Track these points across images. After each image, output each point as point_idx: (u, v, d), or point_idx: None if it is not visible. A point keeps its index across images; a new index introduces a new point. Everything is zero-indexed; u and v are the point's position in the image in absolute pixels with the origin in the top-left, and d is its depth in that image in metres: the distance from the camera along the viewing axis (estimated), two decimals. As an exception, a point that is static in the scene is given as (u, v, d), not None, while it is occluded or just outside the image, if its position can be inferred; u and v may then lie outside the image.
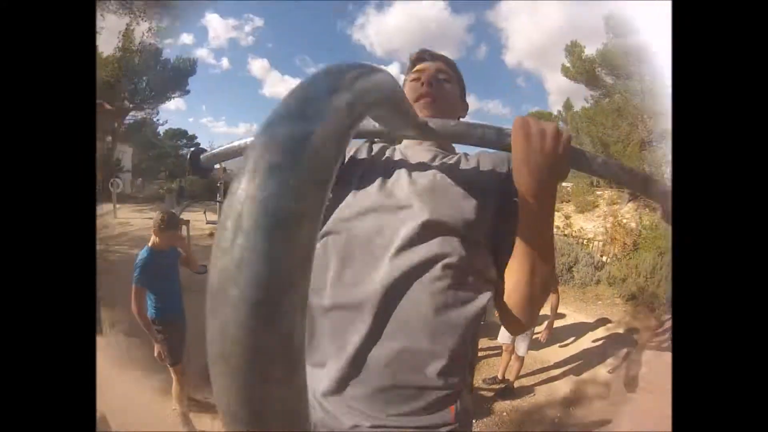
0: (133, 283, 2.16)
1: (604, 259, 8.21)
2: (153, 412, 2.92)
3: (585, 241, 9.04)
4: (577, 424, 3.14)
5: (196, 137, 44.13)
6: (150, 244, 2.24)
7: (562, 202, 21.54)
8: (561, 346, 4.46)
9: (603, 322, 5.39)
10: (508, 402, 3.34)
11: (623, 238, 8.07)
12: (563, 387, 3.66)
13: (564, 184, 21.56)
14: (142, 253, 2.21)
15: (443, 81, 0.85)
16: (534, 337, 3.42)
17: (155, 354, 2.36)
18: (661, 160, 15.51)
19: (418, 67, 0.86)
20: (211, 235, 8.52)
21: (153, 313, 2.27)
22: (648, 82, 15.10)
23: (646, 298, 5.41)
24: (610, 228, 9.00)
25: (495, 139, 0.61)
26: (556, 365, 4.07)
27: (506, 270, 0.71)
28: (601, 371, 4.00)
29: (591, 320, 5.46)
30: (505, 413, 3.20)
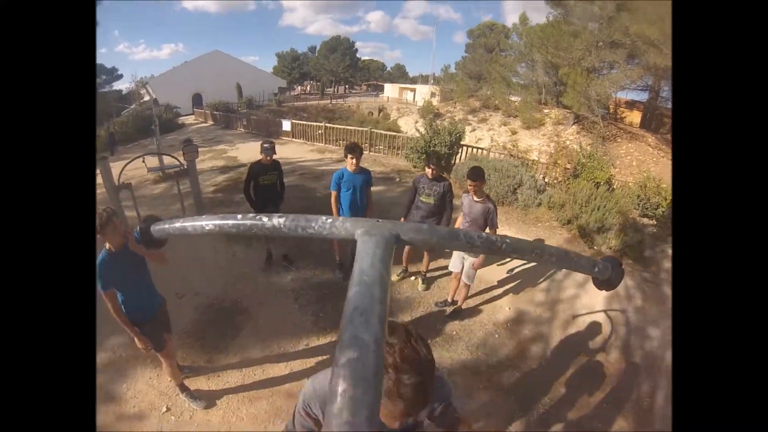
0: (99, 288, 2.06)
1: (546, 180, 8.77)
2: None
3: (530, 162, 9.47)
4: (514, 338, 3.67)
5: (116, 70, 37.93)
6: (106, 246, 2.11)
7: (510, 117, 22.05)
8: (499, 265, 4.97)
9: (539, 242, 5.99)
10: (457, 322, 3.80)
11: (565, 164, 8.57)
12: (504, 305, 4.18)
13: (513, 98, 21.78)
14: (99, 257, 2.08)
15: None
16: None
17: (138, 346, 2.34)
18: (608, 89, 15.94)
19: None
20: (156, 182, 7.96)
21: (125, 311, 2.21)
22: (610, 9, 14.81)
23: (580, 223, 5.99)
24: (554, 152, 9.44)
25: None
26: (499, 284, 4.58)
27: None
28: (537, 290, 4.57)
29: (528, 239, 6.05)
30: (455, 332, 3.65)
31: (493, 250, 0.68)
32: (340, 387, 0.36)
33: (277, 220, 0.64)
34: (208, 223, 0.68)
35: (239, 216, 0.66)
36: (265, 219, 0.65)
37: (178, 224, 0.73)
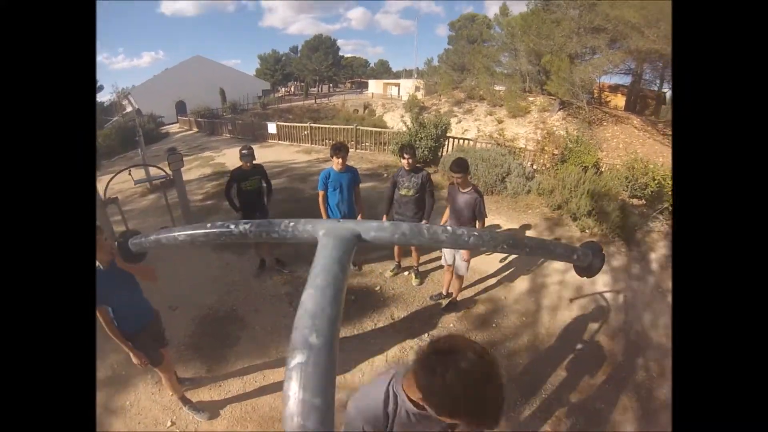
0: None
1: (534, 167, 8.82)
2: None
3: (517, 150, 9.49)
4: (511, 326, 3.70)
5: (96, 81, 37.24)
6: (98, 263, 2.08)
7: (495, 106, 22.10)
8: (488, 255, 4.95)
9: (527, 228, 6.06)
10: (453, 314, 3.82)
11: (552, 150, 8.61)
12: (500, 294, 4.21)
13: (497, 88, 21.84)
14: None
15: None
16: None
17: (135, 362, 2.29)
18: (591, 74, 16.04)
19: None
20: (144, 194, 7.86)
21: (119, 327, 2.18)
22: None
23: (570, 208, 6.04)
24: (540, 139, 9.48)
25: None
26: (493, 274, 4.61)
27: None
28: (530, 276, 4.60)
29: (517, 227, 6.12)
30: (451, 325, 3.67)
31: (459, 244, 0.68)
32: (291, 390, 0.36)
33: (244, 227, 0.67)
34: (180, 233, 0.71)
35: (208, 225, 0.68)
36: (232, 226, 0.68)
37: (152, 237, 0.77)
